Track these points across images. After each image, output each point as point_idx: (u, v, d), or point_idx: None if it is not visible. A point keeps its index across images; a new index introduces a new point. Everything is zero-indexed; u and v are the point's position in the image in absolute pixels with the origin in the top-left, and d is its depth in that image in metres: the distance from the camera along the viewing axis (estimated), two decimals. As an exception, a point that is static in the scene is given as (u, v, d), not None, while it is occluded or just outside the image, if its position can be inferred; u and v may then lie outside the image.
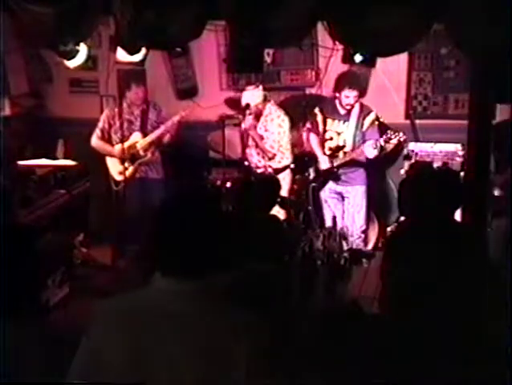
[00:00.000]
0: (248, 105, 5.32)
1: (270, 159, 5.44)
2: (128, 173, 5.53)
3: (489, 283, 2.57)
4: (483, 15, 3.02)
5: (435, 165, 5.24)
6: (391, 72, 5.62)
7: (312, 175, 5.42)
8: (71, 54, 4.15)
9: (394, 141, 5.04)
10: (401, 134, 5.04)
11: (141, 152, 5.59)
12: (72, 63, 4.26)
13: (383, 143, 5.07)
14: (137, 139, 5.59)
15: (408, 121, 5.69)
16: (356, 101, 5.20)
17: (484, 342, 2.11)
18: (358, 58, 3.87)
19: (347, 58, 4.02)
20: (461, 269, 2.66)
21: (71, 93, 6.62)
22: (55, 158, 6.19)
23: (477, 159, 3.99)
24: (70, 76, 6.43)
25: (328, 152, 5.36)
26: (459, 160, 5.40)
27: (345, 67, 5.65)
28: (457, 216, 5.02)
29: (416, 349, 1.97)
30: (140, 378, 1.66)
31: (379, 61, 4.17)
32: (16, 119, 6.23)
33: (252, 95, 5.37)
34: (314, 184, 5.38)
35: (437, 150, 5.41)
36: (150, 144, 5.61)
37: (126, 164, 5.52)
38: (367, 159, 5.27)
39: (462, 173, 5.23)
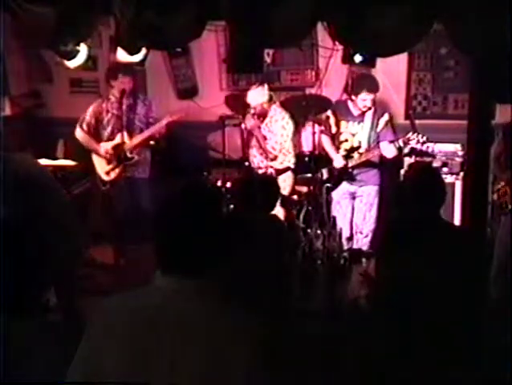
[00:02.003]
0: (250, 104, 5.28)
1: (271, 160, 5.36)
2: (114, 174, 5.40)
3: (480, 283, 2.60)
4: (483, 15, 3.03)
5: (434, 165, 5.23)
6: (391, 72, 5.62)
7: (325, 176, 5.36)
8: (71, 54, 4.16)
9: (413, 142, 4.99)
10: (420, 135, 4.97)
11: (128, 154, 5.39)
12: (72, 63, 4.27)
13: (401, 144, 5.05)
14: (124, 140, 5.35)
15: (407, 121, 5.69)
16: (373, 104, 5.17)
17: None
18: (358, 58, 3.89)
19: (347, 58, 4.04)
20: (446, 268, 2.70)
21: (71, 93, 6.63)
22: (55, 158, 6.19)
23: (476, 159, 3.99)
24: (70, 76, 6.44)
25: (343, 153, 5.32)
26: (459, 160, 5.40)
27: (345, 67, 5.68)
28: (457, 216, 5.08)
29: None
30: (140, 377, 1.66)
31: (379, 61, 4.18)
32: (16, 119, 6.23)
33: (257, 94, 5.27)
34: (328, 185, 5.34)
35: (437, 150, 5.41)
36: (137, 146, 5.41)
37: (112, 165, 5.39)
38: (382, 159, 5.26)
39: (462, 173, 5.26)
